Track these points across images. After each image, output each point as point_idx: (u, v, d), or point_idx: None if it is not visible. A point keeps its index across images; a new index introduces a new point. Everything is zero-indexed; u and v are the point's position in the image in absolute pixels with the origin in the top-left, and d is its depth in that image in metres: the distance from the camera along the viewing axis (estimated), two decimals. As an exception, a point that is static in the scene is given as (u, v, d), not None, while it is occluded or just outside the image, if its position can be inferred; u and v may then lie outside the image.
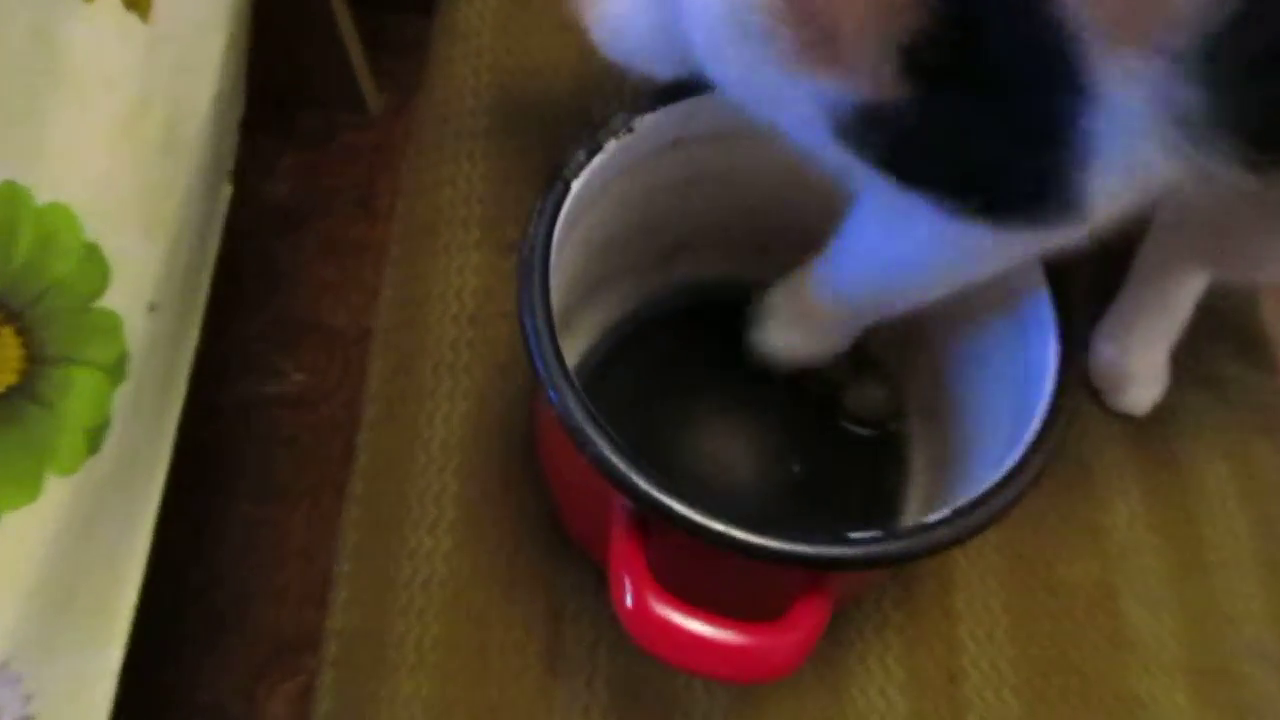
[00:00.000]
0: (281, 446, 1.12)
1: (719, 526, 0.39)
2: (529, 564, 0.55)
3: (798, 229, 0.53)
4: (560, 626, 0.54)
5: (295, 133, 1.25)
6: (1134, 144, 0.35)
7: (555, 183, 0.45)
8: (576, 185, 0.46)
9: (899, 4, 0.34)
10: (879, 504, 0.58)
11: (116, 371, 0.58)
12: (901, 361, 0.60)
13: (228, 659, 1.04)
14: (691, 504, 0.39)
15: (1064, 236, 0.39)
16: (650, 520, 0.42)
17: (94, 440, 0.57)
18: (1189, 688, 0.55)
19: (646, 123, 0.47)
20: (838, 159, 0.40)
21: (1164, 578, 0.57)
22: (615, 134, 0.47)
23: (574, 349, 0.58)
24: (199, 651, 1.05)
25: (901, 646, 0.54)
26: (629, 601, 0.40)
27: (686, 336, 0.62)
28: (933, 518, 0.40)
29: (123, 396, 0.58)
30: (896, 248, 0.43)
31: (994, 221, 0.39)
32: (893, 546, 0.39)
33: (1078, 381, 0.45)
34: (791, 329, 0.54)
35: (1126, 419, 0.62)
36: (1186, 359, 0.63)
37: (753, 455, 0.60)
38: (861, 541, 0.39)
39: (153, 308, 0.61)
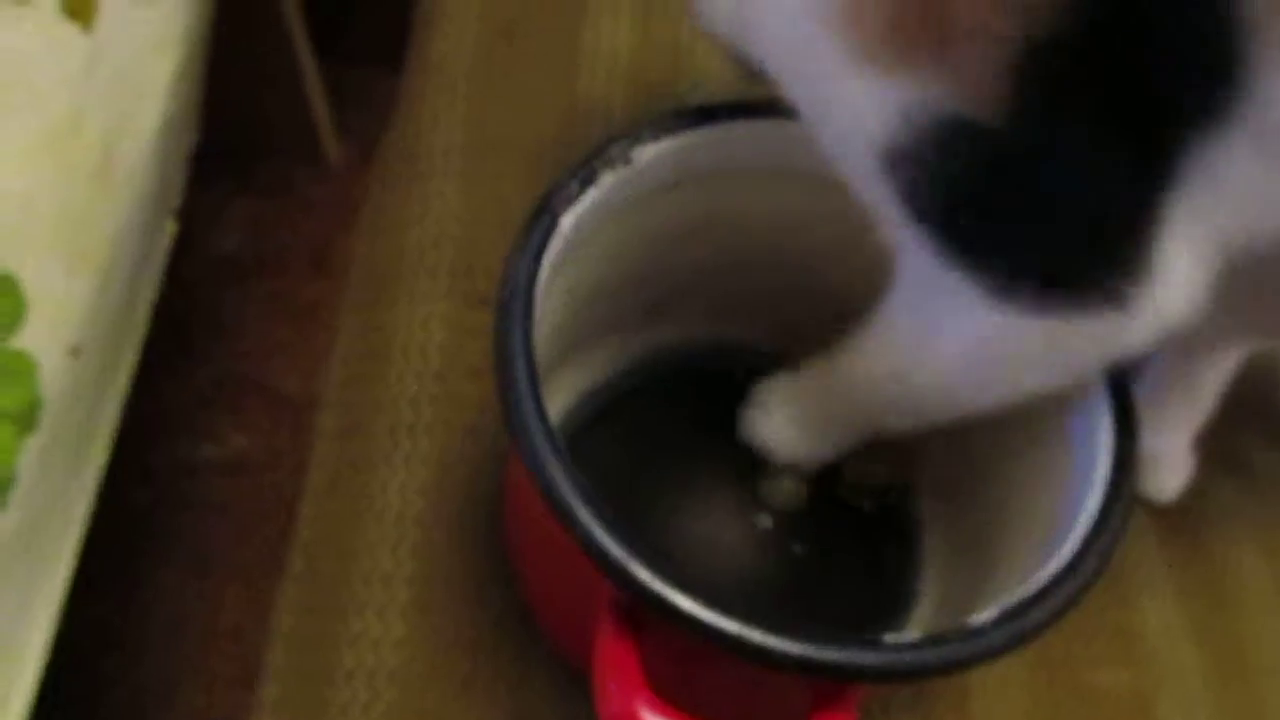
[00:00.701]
0: (217, 515, 1.04)
1: (734, 628, 0.32)
2: (491, 660, 0.48)
3: (805, 290, 0.48)
4: (525, 732, 0.46)
5: (250, 182, 1.19)
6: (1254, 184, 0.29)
7: (542, 215, 0.39)
8: (566, 222, 0.40)
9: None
10: (889, 593, 0.51)
11: (26, 420, 0.51)
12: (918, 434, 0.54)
13: (147, 750, 0.95)
14: (700, 598, 0.33)
15: (1133, 330, 0.32)
16: (645, 617, 0.35)
17: (-5, 500, 0.49)
18: (1235, 813, 0.49)
19: (647, 154, 0.42)
20: (878, 202, 0.34)
21: (1203, 685, 0.51)
22: (612, 165, 0.41)
23: (552, 414, 0.52)
24: (116, 739, 0.95)
25: (915, 762, 0.48)
26: (615, 712, 0.33)
27: (674, 404, 0.55)
28: (979, 619, 0.34)
29: (33, 450, 0.51)
30: (936, 334, 0.36)
31: (1048, 303, 0.31)
32: (933, 654, 0.33)
33: (1135, 461, 0.39)
34: (792, 427, 0.48)
35: (1149, 509, 0.56)
36: (1211, 441, 0.58)
37: (748, 535, 0.54)
38: (898, 648, 0.33)
39: (75, 352, 0.54)
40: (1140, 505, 0.56)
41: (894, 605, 0.50)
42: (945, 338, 0.35)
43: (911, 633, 0.45)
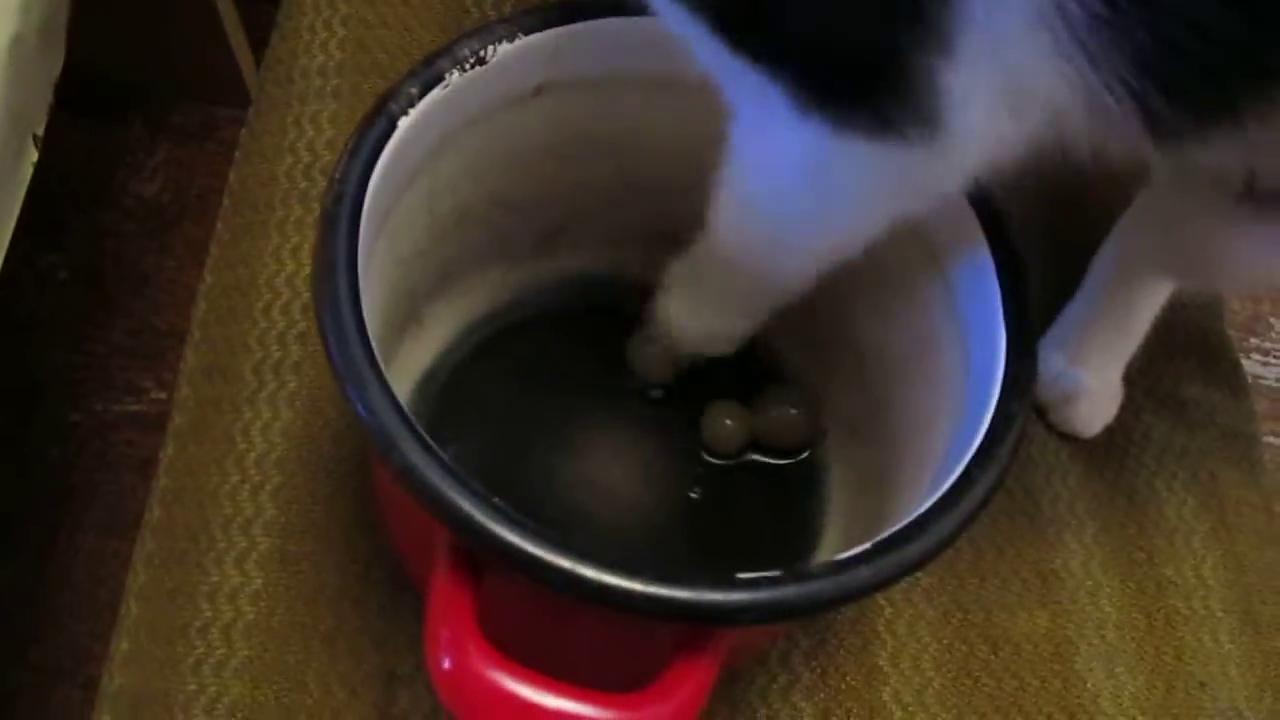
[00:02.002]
0: (136, 472, 0.99)
1: (566, 564, 0.29)
2: (357, 611, 0.44)
3: (698, 216, 0.44)
4: (393, 689, 0.43)
5: (168, 127, 1.14)
6: (1011, 38, 0.27)
7: (377, 118, 0.35)
8: (406, 125, 0.36)
9: None
10: (792, 537, 0.48)
11: None
12: (822, 373, 0.51)
13: (63, 711, 0.91)
14: (530, 534, 0.29)
15: (929, 168, 0.32)
16: (482, 559, 0.32)
17: None
18: (1154, 763, 0.46)
19: (502, 55, 0.38)
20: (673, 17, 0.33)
21: (1124, 630, 0.49)
22: (460, 64, 0.37)
23: (425, 349, 0.48)
24: (32, 703, 0.92)
25: (813, 712, 0.45)
26: (446, 662, 0.30)
27: (568, 340, 0.52)
28: (849, 554, 0.31)
29: None
30: (764, 166, 0.36)
31: (836, 117, 0.31)
32: (796, 591, 0.30)
33: (1030, 386, 0.36)
34: (696, 302, 0.46)
35: (1076, 443, 0.53)
36: (1141, 377, 0.55)
37: (643, 480, 0.50)
38: (755, 585, 0.29)
39: (-84, 290, 0.49)
40: (1065, 441, 0.54)
41: (797, 550, 0.47)
42: (777, 161, 0.35)
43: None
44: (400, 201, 0.38)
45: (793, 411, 0.50)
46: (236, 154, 0.56)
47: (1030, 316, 0.37)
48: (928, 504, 0.32)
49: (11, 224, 0.57)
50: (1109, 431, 0.54)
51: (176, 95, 1.14)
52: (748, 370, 0.50)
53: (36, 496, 0.97)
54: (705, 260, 0.42)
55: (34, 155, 0.59)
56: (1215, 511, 0.53)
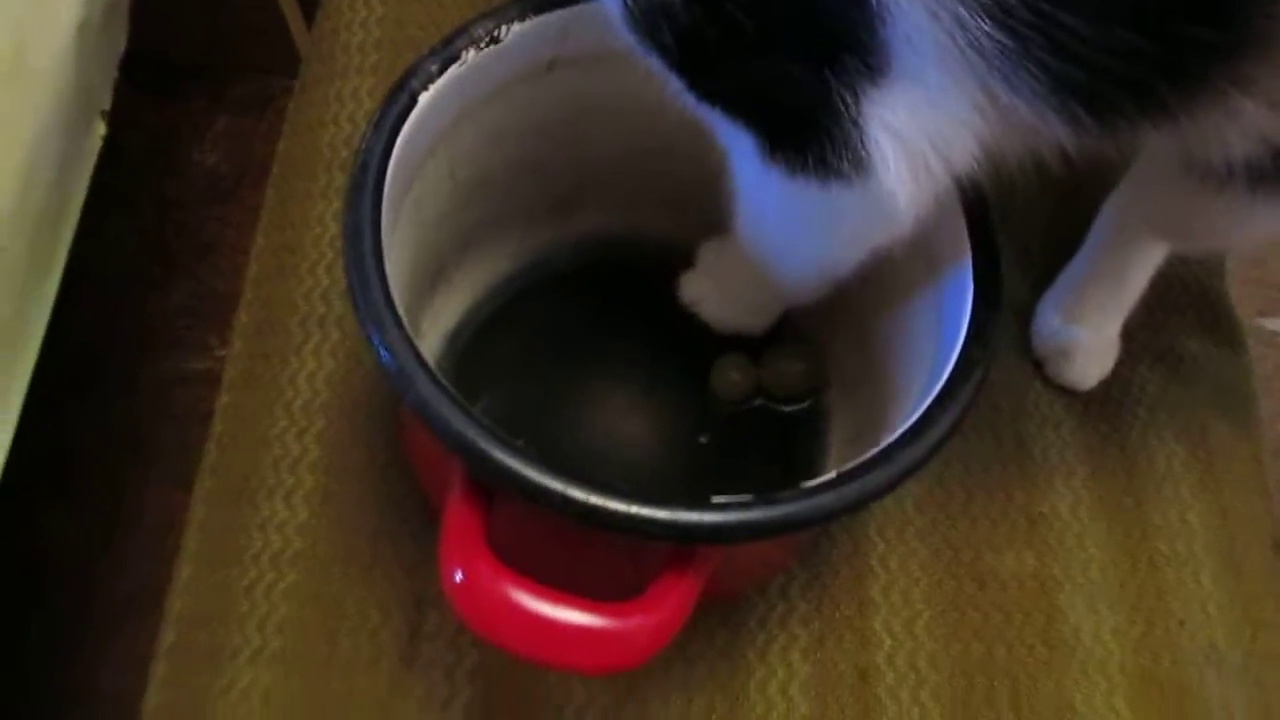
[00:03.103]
0: (201, 426, 1.04)
1: (559, 487, 0.33)
2: (391, 541, 0.49)
3: (710, 180, 0.47)
4: (422, 612, 0.48)
5: (228, 99, 1.19)
6: (945, 78, 0.31)
7: (398, 94, 0.39)
8: (427, 100, 0.40)
9: None
10: (792, 480, 0.51)
11: (-50, 319, 0.52)
12: (828, 332, 0.54)
13: (133, 647, 0.98)
14: (529, 461, 0.33)
15: (865, 203, 0.35)
16: (490, 485, 0.36)
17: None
18: (1131, 694, 0.49)
19: (515, 33, 0.41)
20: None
21: (1107, 570, 0.51)
22: (476, 43, 0.41)
23: (451, 307, 0.52)
24: (104, 638, 0.98)
25: (808, 639, 0.48)
26: (458, 575, 0.34)
27: (587, 297, 0.56)
28: (816, 481, 0.34)
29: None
30: (753, 198, 0.40)
31: (787, 163, 0.35)
32: (765, 513, 0.33)
33: (997, 339, 0.39)
34: (721, 288, 0.50)
35: (1071, 395, 0.56)
36: (1141, 332, 0.58)
37: (656, 425, 0.54)
38: (727, 508, 0.33)
39: (-2, 251, 0.54)
40: (1060, 393, 0.56)
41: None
42: (760, 200, 0.39)
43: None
44: (423, 170, 0.42)
45: (798, 366, 0.54)
46: (285, 126, 0.60)
47: (998, 271, 0.40)
48: (892, 438, 0.35)
49: (82, 194, 0.62)
50: (1105, 384, 0.56)
51: (234, 68, 1.19)
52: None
53: (107, 448, 1.03)
54: (731, 254, 0.46)
55: (102, 130, 0.64)
56: (1204, 461, 0.55)
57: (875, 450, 0.35)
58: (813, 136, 0.34)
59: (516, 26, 0.41)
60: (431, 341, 0.51)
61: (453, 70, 0.40)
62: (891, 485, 0.35)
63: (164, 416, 1.06)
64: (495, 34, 0.41)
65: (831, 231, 0.38)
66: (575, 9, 0.42)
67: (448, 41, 0.40)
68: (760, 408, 0.53)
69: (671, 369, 0.54)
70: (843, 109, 0.33)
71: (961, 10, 0.29)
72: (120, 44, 0.66)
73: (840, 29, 0.32)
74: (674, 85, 0.37)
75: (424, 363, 0.34)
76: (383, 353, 0.34)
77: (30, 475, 0.61)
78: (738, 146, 0.38)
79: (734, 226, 0.43)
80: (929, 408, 0.36)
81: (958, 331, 0.39)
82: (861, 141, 0.33)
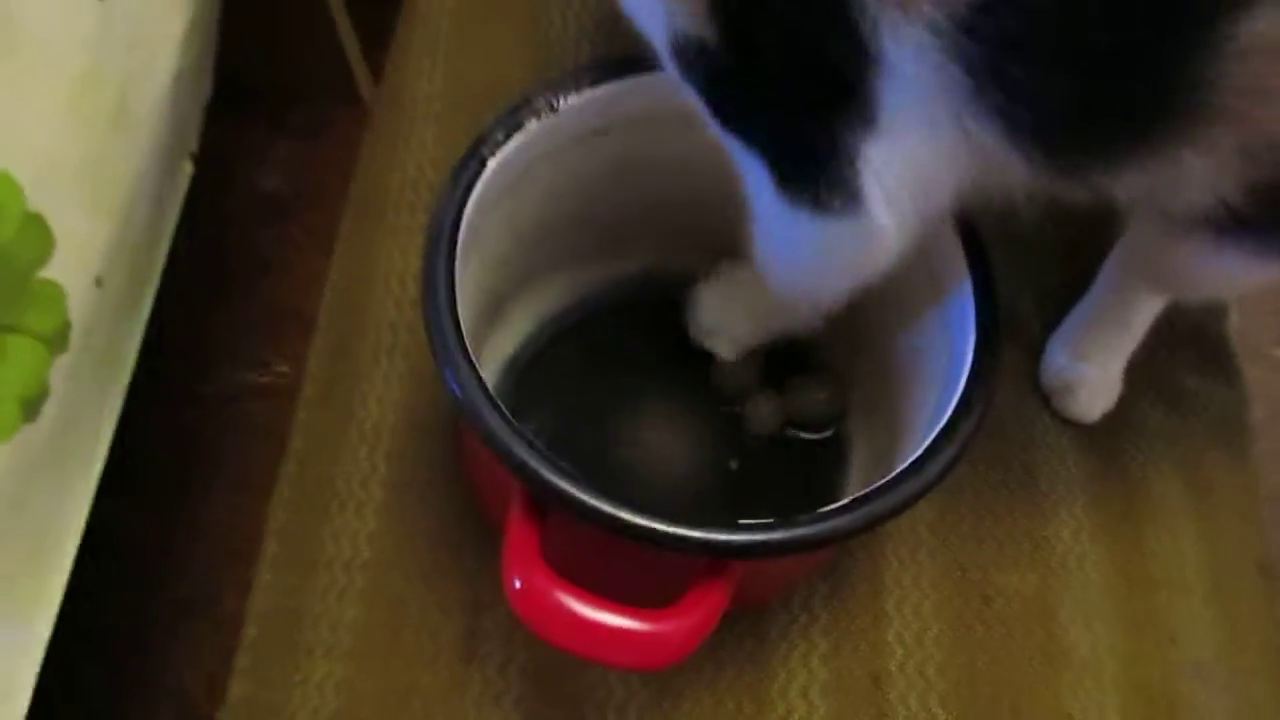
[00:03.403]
0: (260, 437, 1.12)
1: (607, 508, 0.38)
2: (451, 550, 0.54)
3: (733, 227, 0.52)
4: (478, 614, 0.53)
5: (288, 124, 1.25)
6: (925, 121, 0.35)
7: (470, 161, 0.45)
8: (494, 164, 0.45)
9: None
10: (815, 503, 0.56)
11: (58, 341, 0.58)
12: (848, 363, 0.59)
13: (194, 646, 1.04)
14: (582, 485, 0.38)
15: (853, 237, 0.40)
16: (546, 504, 0.41)
17: (30, 409, 0.57)
18: (1123, 706, 0.53)
19: (570, 104, 0.47)
20: (682, 88, 0.42)
21: (1104, 591, 0.56)
22: (537, 114, 0.46)
23: (510, 337, 0.58)
24: (166, 637, 1.04)
25: (827, 647, 0.53)
26: (518, 583, 0.39)
27: (631, 329, 0.61)
28: (831, 507, 0.39)
29: (62, 368, 0.58)
30: (764, 225, 0.44)
31: (788, 194, 0.40)
32: (785, 534, 0.39)
33: (996, 378, 0.44)
34: (725, 304, 0.55)
35: (1078, 428, 0.60)
36: (1145, 368, 0.62)
37: (691, 450, 0.59)
38: (752, 528, 0.38)
39: (99, 282, 0.60)
40: (1067, 425, 0.61)
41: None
42: (770, 225, 0.44)
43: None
44: (488, 222, 0.47)
45: (821, 394, 0.59)
46: (356, 169, 0.66)
47: (998, 320, 0.44)
48: (895, 471, 0.40)
49: (172, 230, 0.68)
50: (1109, 417, 0.61)
51: (295, 95, 1.25)
52: (781, 353, 0.59)
53: (172, 457, 1.10)
54: (746, 276, 0.51)
55: (189, 169, 0.70)
56: (1198, 491, 0.59)
57: (882, 480, 0.40)
58: (812, 173, 0.38)
59: (572, 99, 0.47)
60: (491, 368, 0.56)
61: (516, 137, 0.46)
62: (895, 512, 0.39)
63: (224, 427, 1.13)
64: (554, 104, 0.46)
65: (825, 258, 0.43)
66: (622, 82, 0.48)
67: (512, 112, 0.46)
68: (788, 436, 0.58)
69: (706, 398, 0.59)
70: (842, 151, 0.38)
71: (941, 58, 0.34)
72: (207, 91, 0.72)
73: (843, 78, 0.36)
74: (705, 115, 0.42)
75: (491, 398, 0.39)
76: (456, 389, 0.40)
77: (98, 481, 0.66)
78: (754, 175, 0.42)
79: (755, 250, 0.47)
80: (932, 442, 0.41)
81: (962, 369, 0.44)
82: (856, 183, 0.38)
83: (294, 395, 1.12)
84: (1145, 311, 0.59)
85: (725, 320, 0.55)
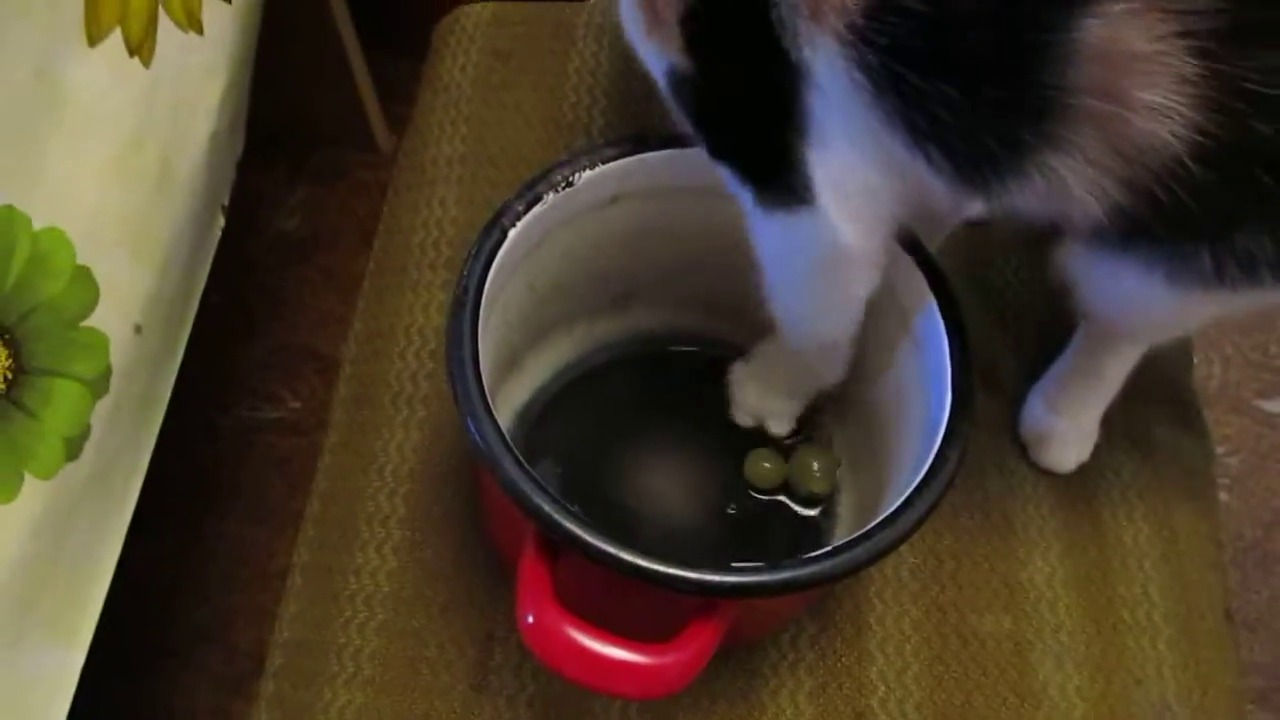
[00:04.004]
0: (274, 470, 1.16)
1: (613, 550, 0.42)
2: (466, 587, 0.58)
3: (734, 288, 0.56)
4: (491, 647, 0.57)
5: (307, 169, 1.30)
6: (849, 126, 0.41)
7: (492, 230, 0.49)
8: (514, 233, 0.49)
9: None
10: (805, 548, 0.60)
11: (99, 385, 0.62)
12: (837, 422, 0.63)
13: (206, 673, 1.07)
14: (590, 529, 0.42)
15: (819, 235, 0.45)
16: (557, 545, 0.45)
17: (72, 448, 0.61)
18: (1092, 742, 0.57)
19: (586, 178, 0.51)
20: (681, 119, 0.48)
21: (1075, 634, 0.60)
22: (555, 187, 0.51)
23: (524, 386, 0.62)
24: (179, 664, 1.08)
25: (813, 684, 0.57)
26: (530, 617, 0.43)
27: (640, 379, 0.65)
28: (813, 554, 0.43)
29: (103, 410, 0.62)
30: (761, 250, 0.50)
31: (761, 200, 0.46)
32: (771, 578, 0.42)
33: (969, 439, 0.48)
34: (764, 383, 0.60)
35: (1054, 477, 0.64)
36: (1119, 419, 0.66)
37: (692, 496, 0.63)
38: (743, 571, 0.42)
39: (138, 330, 0.65)
40: (1044, 474, 0.65)
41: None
42: (760, 244, 0.50)
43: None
44: (508, 284, 0.51)
45: (822, 462, 0.62)
46: (380, 226, 0.70)
47: (972, 386, 0.49)
48: (872, 523, 0.44)
49: (204, 279, 0.73)
50: (1084, 467, 0.65)
51: (314, 141, 1.30)
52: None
53: (189, 488, 1.14)
54: (771, 348, 0.57)
55: (221, 221, 0.75)
56: (1167, 539, 0.63)
57: (860, 530, 0.44)
58: (777, 182, 0.44)
59: (588, 173, 0.51)
60: (505, 415, 0.60)
61: (535, 209, 0.50)
62: (873, 559, 0.44)
63: (241, 460, 1.17)
64: (570, 179, 0.51)
65: (805, 265, 0.49)
66: (635, 158, 0.52)
67: (531, 185, 0.50)
68: (781, 503, 0.62)
69: (707, 446, 0.63)
70: (795, 159, 0.43)
71: (848, 66, 0.39)
72: (240, 147, 0.77)
73: (779, 90, 0.42)
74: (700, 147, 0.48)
75: (511, 449, 0.44)
76: (478, 441, 0.44)
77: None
78: (743, 198, 0.48)
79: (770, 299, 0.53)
80: (907, 497, 0.45)
81: (938, 430, 0.48)
82: (810, 188, 0.43)
83: (307, 431, 1.17)
84: (1117, 364, 0.62)
85: (767, 396, 0.60)
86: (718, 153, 0.48)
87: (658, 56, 0.46)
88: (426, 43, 0.76)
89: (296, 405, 1.19)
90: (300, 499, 1.12)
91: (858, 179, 0.43)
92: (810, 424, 0.63)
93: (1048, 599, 0.61)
